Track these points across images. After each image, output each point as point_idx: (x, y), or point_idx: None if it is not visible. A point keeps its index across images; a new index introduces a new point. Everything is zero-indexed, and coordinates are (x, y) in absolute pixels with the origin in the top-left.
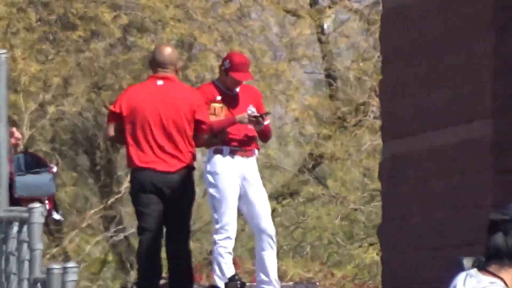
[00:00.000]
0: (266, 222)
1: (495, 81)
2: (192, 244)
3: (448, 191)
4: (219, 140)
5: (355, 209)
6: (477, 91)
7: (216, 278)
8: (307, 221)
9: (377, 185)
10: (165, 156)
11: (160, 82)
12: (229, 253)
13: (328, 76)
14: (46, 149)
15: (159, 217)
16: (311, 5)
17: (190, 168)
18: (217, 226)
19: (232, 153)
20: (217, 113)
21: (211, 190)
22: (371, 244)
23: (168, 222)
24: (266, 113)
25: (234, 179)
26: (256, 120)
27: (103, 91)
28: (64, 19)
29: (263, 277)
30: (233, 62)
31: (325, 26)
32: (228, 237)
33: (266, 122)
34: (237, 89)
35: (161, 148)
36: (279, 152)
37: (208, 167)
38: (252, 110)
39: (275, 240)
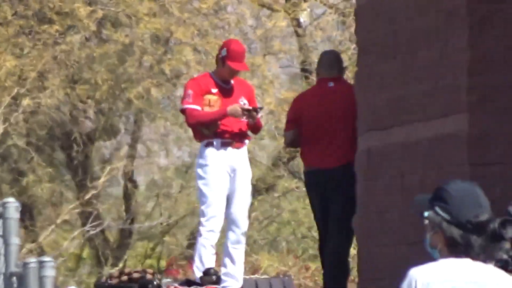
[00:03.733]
0: (242, 217)
1: (470, 75)
2: (168, 239)
3: (424, 185)
4: (210, 132)
5: None
6: (453, 85)
7: (195, 268)
8: (282, 215)
9: None
10: (332, 153)
11: (331, 84)
12: (212, 246)
13: (304, 69)
14: (21, 143)
15: (325, 216)
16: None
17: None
18: (203, 219)
19: (224, 145)
20: (212, 104)
21: (200, 183)
22: None
23: (330, 219)
24: (260, 108)
25: (224, 173)
26: (248, 114)
27: (79, 85)
28: (40, 14)
29: (229, 270)
30: (230, 51)
31: (301, 19)
32: (212, 230)
33: (258, 115)
34: (232, 81)
35: (329, 147)
36: (255, 146)
37: (199, 160)
38: (244, 102)
39: (245, 236)
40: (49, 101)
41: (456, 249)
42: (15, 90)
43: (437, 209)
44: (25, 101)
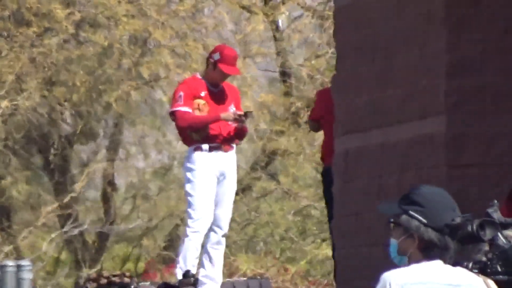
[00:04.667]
0: (225, 219)
1: (448, 78)
2: (146, 241)
3: (402, 186)
4: (199, 136)
5: (308, 205)
6: (431, 87)
7: (178, 270)
8: (260, 217)
9: None
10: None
11: None
12: (197, 248)
13: (282, 73)
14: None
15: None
16: (265, 2)
17: None
18: (190, 221)
19: (212, 150)
20: (201, 109)
21: (187, 186)
22: (323, 240)
23: None
24: (250, 112)
25: (212, 177)
26: (239, 119)
27: (56, 87)
28: (18, 15)
29: (208, 271)
30: (223, 55)
31: (280, 23)
32: (198, 231)
33: (246, 121)
34: (221, 86)
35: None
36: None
37: (188, 164)
38: (233, 109)
39: (225, 238)
40: (27, 104)
41: (431, 252)
42: None
43: (412, 213)
44: (4, 103)
